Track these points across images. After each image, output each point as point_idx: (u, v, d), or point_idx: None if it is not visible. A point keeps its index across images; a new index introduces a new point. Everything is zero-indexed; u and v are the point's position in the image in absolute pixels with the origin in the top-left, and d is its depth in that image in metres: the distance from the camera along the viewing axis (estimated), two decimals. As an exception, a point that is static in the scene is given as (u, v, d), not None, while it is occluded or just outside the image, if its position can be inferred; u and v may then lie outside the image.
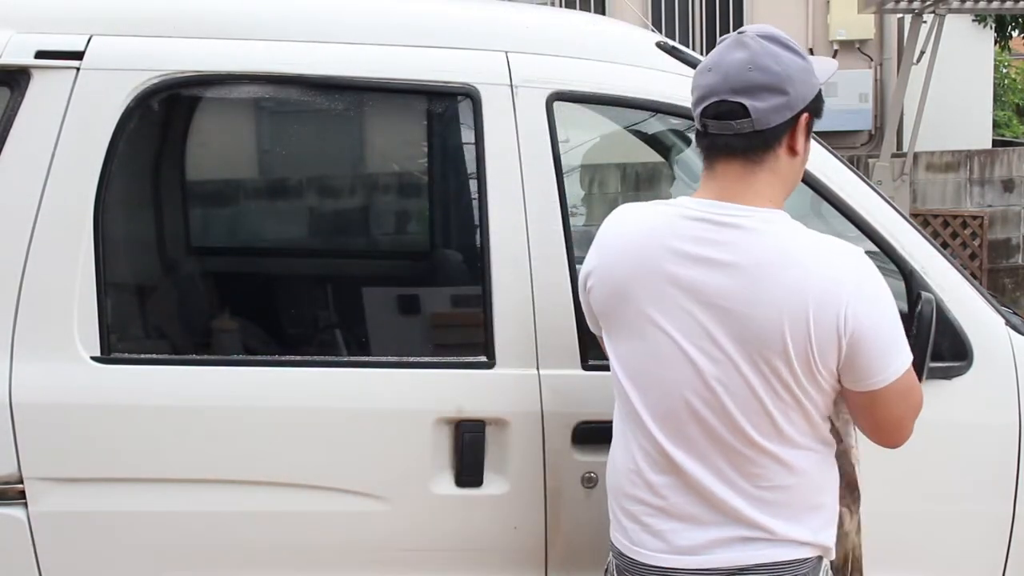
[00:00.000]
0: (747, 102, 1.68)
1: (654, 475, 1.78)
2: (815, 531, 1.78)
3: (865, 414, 1.79)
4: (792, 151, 1.75)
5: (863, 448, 1.92)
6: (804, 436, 1.73)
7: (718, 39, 1.81)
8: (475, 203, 2.26)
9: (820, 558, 1.80)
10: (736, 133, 1.70)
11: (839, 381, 1.71)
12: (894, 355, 1.70)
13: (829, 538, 1.81)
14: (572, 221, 2.23)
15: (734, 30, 1.80)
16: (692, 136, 2.94)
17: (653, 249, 1.73)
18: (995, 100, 11.96)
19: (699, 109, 1.74)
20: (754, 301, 1.65)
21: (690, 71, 2.28)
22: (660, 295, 1.71)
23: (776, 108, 1.69)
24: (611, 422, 1.89)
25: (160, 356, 2.23)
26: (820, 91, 1.75)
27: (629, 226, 1.80)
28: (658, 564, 1.77)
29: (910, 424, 1.80)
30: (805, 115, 1.74)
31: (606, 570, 1.92)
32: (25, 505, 2.09)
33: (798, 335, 1.64)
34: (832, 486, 1.83)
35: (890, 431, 1.81)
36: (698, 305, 1.69)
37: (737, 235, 1.69)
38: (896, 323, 1.71)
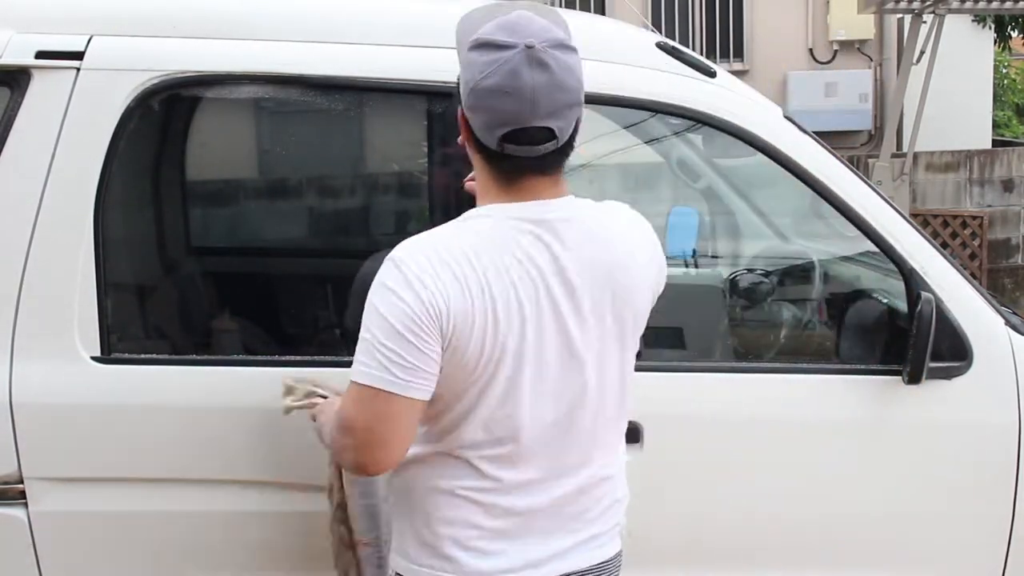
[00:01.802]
0: (554, 125, 1.60)
1: (492, 497, 1.67)
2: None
3: None
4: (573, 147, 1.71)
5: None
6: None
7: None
8: (473, 202, 2.25)
9: None
10: (541, 155, 1.62)
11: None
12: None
13: None
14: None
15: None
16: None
17: (508, 265, 1.60)
18: (995, 100, 11.96)
19: (497, 133, 1.59)
20: (622, 274, 1.68)
21: (690, 71, 2.29)
22: (532, 304, 1.60)
23: (573, 121, 1.64)
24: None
25: (160, 356, 2.23)
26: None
27: (460, 253, 1.60)
28: None
29: None
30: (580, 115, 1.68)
31: None
32: (25, 505, 2.09)
33: (651, 294, 1.76)
34: None
35: None
36: (568, 301, 1.63)
37: (573, 227, 1.65)
38: None
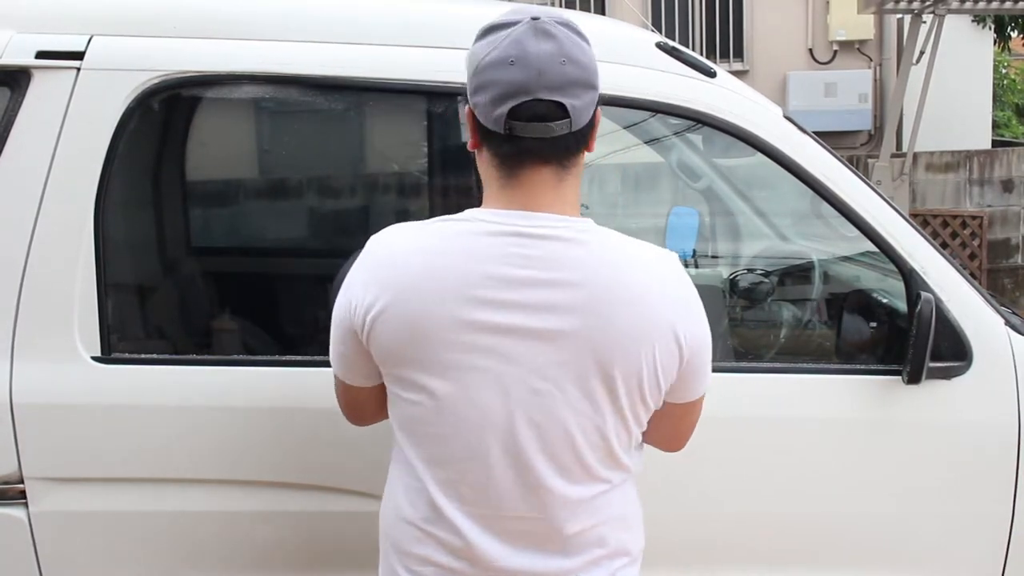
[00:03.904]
0: (566, 101, 1.48)
1: (436, 530, 1.59)
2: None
3: (669, 424, 1.68)
4: (589, 149, 1.59)
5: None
6: (607, 469, 1.59)
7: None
8: (476, 203, 2.25)
9: None
10: (551, 137, 1.49)
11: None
12: (709, 365, 1.64)
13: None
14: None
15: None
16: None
17: (459, 275, 1.49)
18: (995, 100, 11.98)
19: (502, 109, 1.48)
20: (593, 322, 1.48)
21: (690, 71, 2.29)
22: (474, 329, 1.49)
23: (587, 105, 1.51)
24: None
25: (160, 356, 2.23)
26: None
27: (419, 253, 1.52)
28: None
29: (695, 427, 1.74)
30: (599, 109, 1.57)
31: None
32: (25, 505, 2.10)
33: (646, 355, 1.50)
34: (639, 516, 1.72)
35: (687, 436, 1.76)
36: (523, 336, 1.49)
37: (560, 248, 1.50)
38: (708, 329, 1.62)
